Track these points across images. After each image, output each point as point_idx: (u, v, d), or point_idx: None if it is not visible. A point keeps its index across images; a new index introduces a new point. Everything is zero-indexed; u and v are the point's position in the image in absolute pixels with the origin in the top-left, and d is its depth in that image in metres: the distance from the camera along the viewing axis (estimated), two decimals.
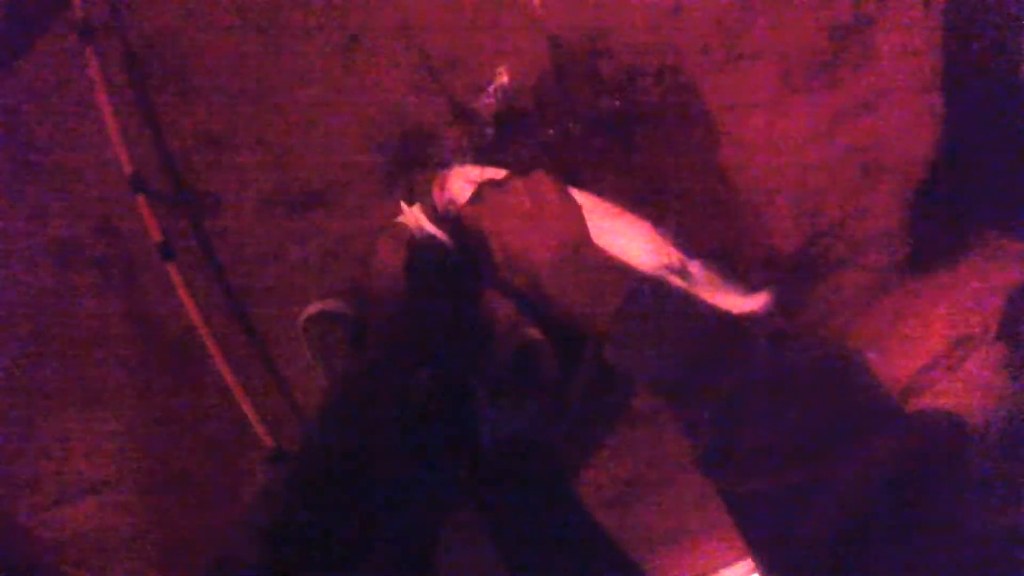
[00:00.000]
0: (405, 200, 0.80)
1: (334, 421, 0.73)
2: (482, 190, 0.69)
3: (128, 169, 0.80)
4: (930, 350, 1.08)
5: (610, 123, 0.90)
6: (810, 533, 0.45)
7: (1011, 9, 0.78)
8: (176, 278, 0.86)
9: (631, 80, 0.88)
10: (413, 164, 0.90)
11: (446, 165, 0.88)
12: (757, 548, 0.51)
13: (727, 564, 1.19)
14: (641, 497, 1.16)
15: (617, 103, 0.89)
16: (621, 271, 0.60)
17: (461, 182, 0.78)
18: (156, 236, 0.84)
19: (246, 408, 0.92)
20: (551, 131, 0.90)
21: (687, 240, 0.86)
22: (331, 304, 0.98)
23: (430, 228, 0.78)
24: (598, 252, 0.64)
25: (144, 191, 0.81)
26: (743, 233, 0.98)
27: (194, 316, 0.87)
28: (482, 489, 0.96)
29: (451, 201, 0.77)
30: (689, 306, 0.55)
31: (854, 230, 1.00)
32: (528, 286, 0.65)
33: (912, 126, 0.93)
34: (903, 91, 0.91)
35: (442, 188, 0.78)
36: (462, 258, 0.80)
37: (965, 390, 1.11)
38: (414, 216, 0.79)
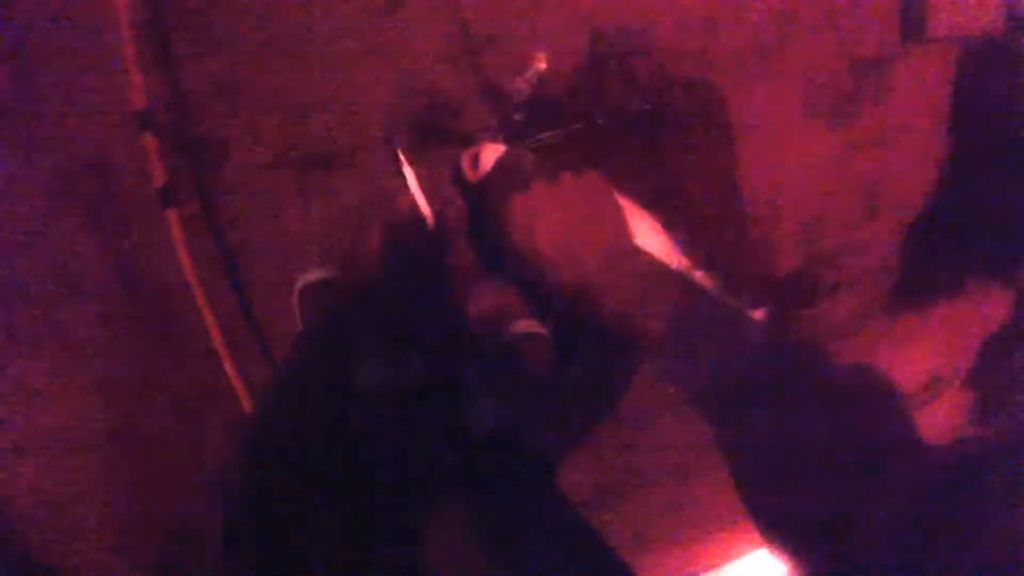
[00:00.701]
0: (403, 155, 0.77)
1: (306, 404, 0.71)
2: (531, 183, 0.68)
3: (139, 105, 0.75)
4: (902, 387, 1.13)
5: (637, 124, 0.90)
6: (825, 537, 0.45)
7: (1021, 72, 0.83)
8: (174, 226, 0.81)
9: (663, 84, 0.89)
10: (435, 137, 0.88)
11: (468, 143, 0.86)
12: (789, 561, 0.52)
13: (709, 568, 1.21)
14: (621, 500, 1.16)
15: (647, 105, 0.90)
16: (673, 277, 0.61)
17: (493, 159, 0.77)
18: (159, 179, 0.79)
19: (230, 373, 0.88)
20: (578, 123, 0.89)
21: (693, 247, 0.87)
22: (331, 273, 0.94)
23: (420, 200, 0.76)
24: (649, 257, 0.64)
25: (152, 130, 0.76)
26: (746, 248, 1.00)
27: (187, 268, 0.83)
28: (469, 483, 0.94)
29: (481, 177, 0.76)
30: (737, 318, 0.56)
31: (849, 261, 1.03)
32: (575, 285, 0.64)
33: (917, 165, 0.97)
34: (912, 131, 0.95)
35: (474, 165, 0.77)
36: (454, 239, 0.78)
37: (926, 429, 1.16)
38: (409, 179, 0.76)
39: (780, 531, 0.53)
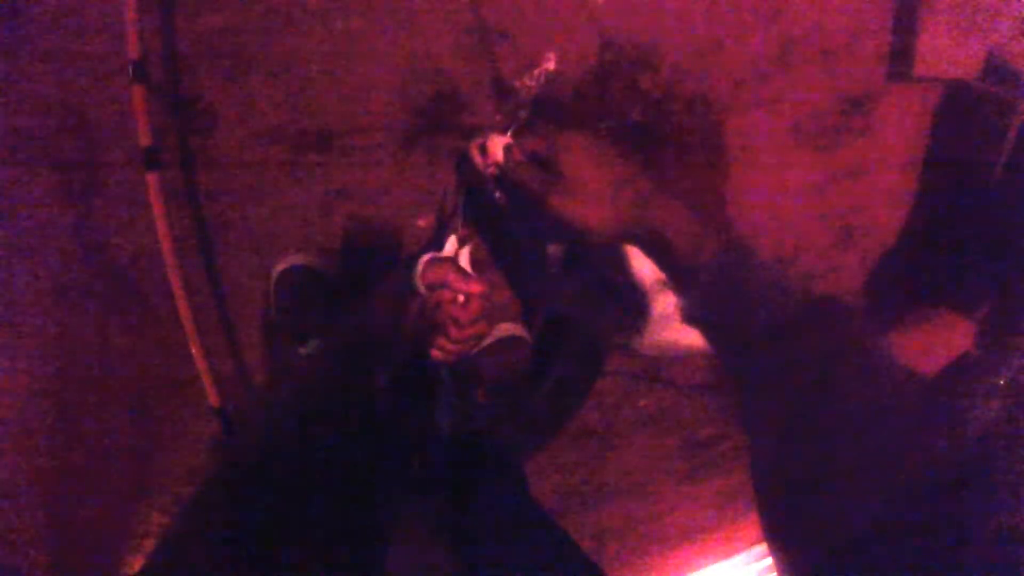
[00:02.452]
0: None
1: (299, 408, 0.67)
2: (555, 159, 0.67)
3: (133, 55, 0.69)
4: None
5: (636, 135, 0.91)
6: (831, 528, 0.45)
7: (997, 112, 0.89)
8: (153, 192, 0.75)
9: (666, 100, 0.90)
10: (438, 127, 0.86)
11: (470, 137, 0.85)
12: (777, 546, 0.51)
13: None
14: (582, 512, 1.15)
15: (648, 118, 0.91)
16: (719, 226, 0.60)
17: (501, 148, 0.76)
18: (144, 138, 0.73)
19: (197, 357, 0.81)
20: (578, 128, 0.89)
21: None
22: (312, 260, 0.90)
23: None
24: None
25: (144, 84, 0.71)
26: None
27: (163, 241, 0.76)
28: (440, 485, 0.91)
29: (495, 163, 0.75)
30: (778, 275, 0.55)
31: (821, 285, 1.07)
32: (633, 206, 0.62)
33: (892, 199, 1.02)
34: (890, 165, 1.00)
35: (483, 152, 0.76)
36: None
37: None
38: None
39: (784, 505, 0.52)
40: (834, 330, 0.53)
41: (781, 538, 0.50)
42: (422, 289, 0.67)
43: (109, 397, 0.84)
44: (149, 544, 0.86)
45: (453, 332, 0.69)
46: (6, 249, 0.75)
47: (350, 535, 0.64)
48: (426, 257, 0.69)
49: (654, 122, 0.91)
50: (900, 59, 0.91)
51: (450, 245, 0.74)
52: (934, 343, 1.02)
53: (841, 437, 0.47)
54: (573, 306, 0.93)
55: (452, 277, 0.66)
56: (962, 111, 0.93)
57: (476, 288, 0.66)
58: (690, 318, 0.59)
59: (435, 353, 0.71)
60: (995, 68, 0.89)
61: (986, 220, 0.93)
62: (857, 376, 0.50)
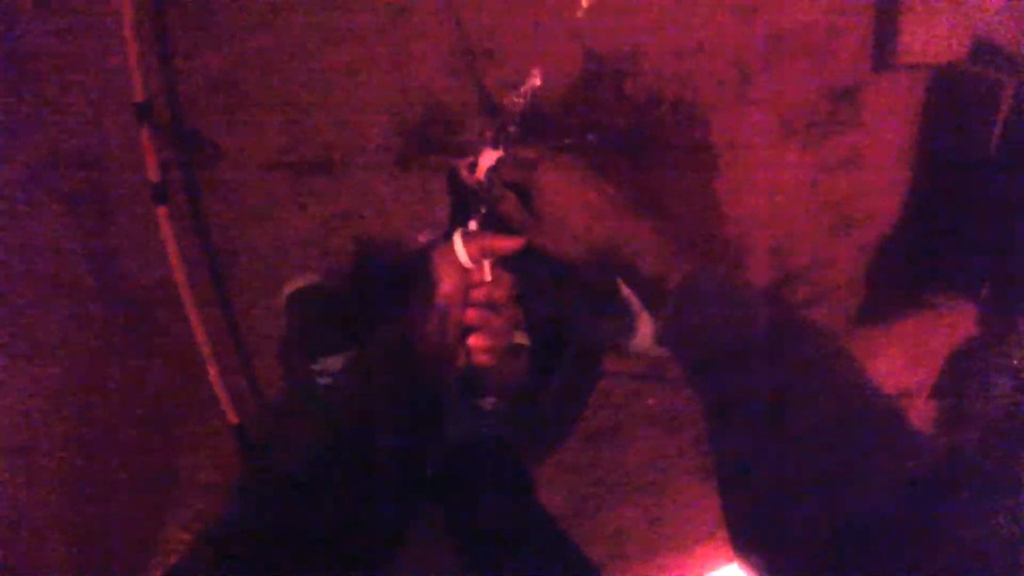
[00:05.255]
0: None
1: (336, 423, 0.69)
2: (537, 174, 0.69)
3: (139, 97, 0.74)
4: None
5: (624, 140, 0.93)
6: (801, 535, 0.46)
7: (986, 98, 0.89)
8: (164, 224, 0.79)
9: (652, 104, 0.92)
10: (430, 148, 0.89)
11: (462, 155, 0.88)
12: (746, 550, 0.52)
13: None
14: (597, 515, 1.16)
15: (635, 123, 0.93)
16: (694, 247, 0.61)
17: (486, 168, 0.79)
18: (153, 175, 0.77)
19: (214, 380, 0.85)
20: (568, 139, 0.92)
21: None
22: (320, 279, 0.94)
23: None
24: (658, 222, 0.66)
25: (150, 123, 0.75)
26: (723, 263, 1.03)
27: (175, 268, 0.81)
28: (446, 489, 0.93)
29: (479, 182, 0.77)
30: (749, 294, 0.56)
31: (820, 277, 1.08)
32: (605, 241, 0.64)
33: (885, 188, 1.03)
34: (882, 156, 1.01)
35: (472, 171, 0.79)
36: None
37: None
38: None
39: (757, 523, 0.52)
40: (804, 347, 0.55)
41: (751, 549, 0.51)
42: (467, 262, 0.65)
43: (128, 418, 0.88)
44: (171, 560, 0.90)
45: (494, 321, 0.68)
46: (23, 281, 0.80)
47: (358, 538, 0.66)
48: (458, 234, 0.67)
49: (641, 128, 0.93)
50: (885, 47, 0.91)
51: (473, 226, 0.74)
52: (937, 326, 1.02)
53: (811, 447, 0.48)
54: (568, 312, 0.96)
55: (492, 242, 0.66)
56: (951, 94, 0.93)
57: (518, 240, 0.66)
58: (660, 340, 0.61)
59: (479, 358, 0.69)
60: (981, 49, 0.89)
61: (981, 201, 0.93)
62: (825, 391, 0.51)
